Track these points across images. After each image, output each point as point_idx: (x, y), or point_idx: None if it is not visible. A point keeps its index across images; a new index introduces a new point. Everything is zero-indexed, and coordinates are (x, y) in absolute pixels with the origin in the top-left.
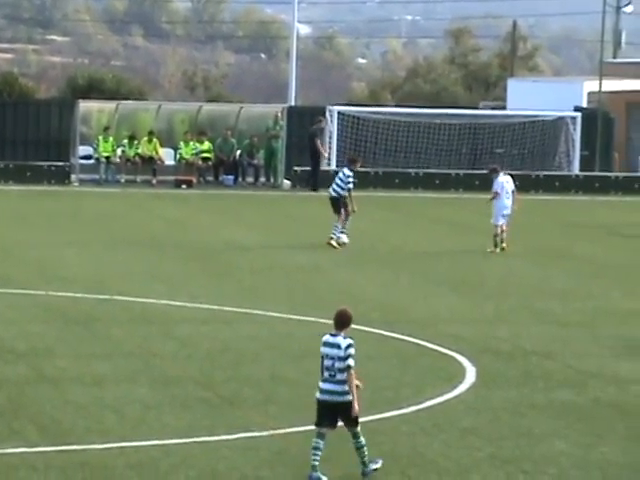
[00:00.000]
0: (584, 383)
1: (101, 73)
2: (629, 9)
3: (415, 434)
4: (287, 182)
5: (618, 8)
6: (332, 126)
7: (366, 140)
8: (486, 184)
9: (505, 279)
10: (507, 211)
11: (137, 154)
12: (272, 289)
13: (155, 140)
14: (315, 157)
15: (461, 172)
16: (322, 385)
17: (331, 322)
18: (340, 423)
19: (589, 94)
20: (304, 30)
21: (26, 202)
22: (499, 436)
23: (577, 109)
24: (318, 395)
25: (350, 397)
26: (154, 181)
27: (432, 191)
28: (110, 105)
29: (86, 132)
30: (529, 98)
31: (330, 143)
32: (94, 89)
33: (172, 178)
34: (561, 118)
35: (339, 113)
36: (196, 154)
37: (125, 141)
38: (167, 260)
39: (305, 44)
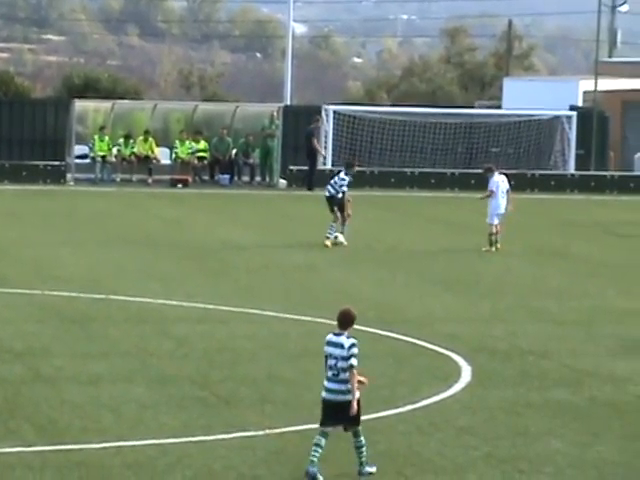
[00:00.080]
0: (580, 382)
1: (97, 72)
2: (624, 8)
3: (411, 433)
4: (283, 181)
5: (614, 7)
6: (328, 125)
7: (362, 139)
8: (482, 183)
9: (501, 278)
10: (501, 210)
11: (133, 153)
12: (268, 288)
13: (151, 139)
14: (312, 157)
15: (457, 171)
16: (327, 384)
17: (327, 321)
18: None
19: (584, 93)
20: (300, 29)
21: (22, 201)
22: (495, 435)
23: (573, 108)
24: (323, 394)
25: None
26: (150, 180)
27: (428, 190)
28: (106, 104)
29: (82, 131)
30: (525, 97)
31: (326, 142)
32: (90, 88)
33: (168, 177)
34: (557, 117)
35: (335, 112)
36: (192, 153)
37: (121, 140)
38: (163, 259)
39: (301, 43)
